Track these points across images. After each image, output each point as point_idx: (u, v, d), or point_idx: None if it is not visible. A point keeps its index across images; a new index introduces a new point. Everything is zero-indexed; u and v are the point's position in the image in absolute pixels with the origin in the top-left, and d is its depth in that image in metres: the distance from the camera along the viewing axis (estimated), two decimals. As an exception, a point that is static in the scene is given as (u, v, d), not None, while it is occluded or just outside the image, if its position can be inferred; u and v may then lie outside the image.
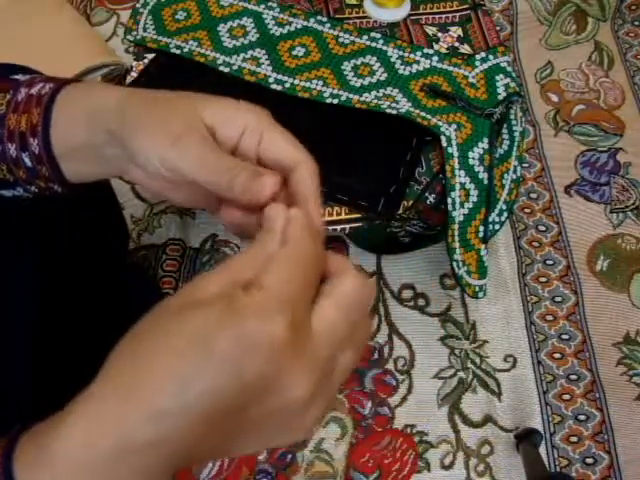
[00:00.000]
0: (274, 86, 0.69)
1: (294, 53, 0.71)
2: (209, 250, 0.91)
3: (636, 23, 1.16)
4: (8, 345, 0.47)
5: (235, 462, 0.77)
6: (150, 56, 0.72)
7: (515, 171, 0.70)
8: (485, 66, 0.70)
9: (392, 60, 0.71)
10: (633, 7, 1.17)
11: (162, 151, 0.32)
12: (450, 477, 0.78)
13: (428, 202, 0.65)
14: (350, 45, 0.72)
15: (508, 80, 0.69)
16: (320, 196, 0.32)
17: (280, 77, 0.69)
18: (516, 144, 0.70)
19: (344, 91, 0.68)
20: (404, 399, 0.82)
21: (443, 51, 0.72)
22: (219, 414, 0.23)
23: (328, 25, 0.73)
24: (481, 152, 0.65)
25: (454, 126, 0.65)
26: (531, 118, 1.04)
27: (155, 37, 0.73)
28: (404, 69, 0.70)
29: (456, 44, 0.73)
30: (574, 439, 0.80)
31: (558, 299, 0.89)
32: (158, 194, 0.36)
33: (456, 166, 0.64)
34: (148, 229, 0.92)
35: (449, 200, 0.64)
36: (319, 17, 0.74)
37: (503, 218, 0.68)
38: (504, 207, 0.68)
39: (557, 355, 0.85)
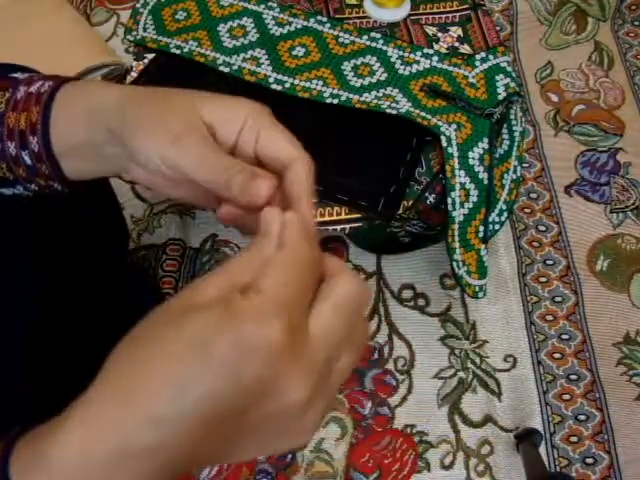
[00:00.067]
0: (274, 86, 0.69)
1: (294, 53, 0.71)
2: (209, 250, 0.91)
3: (636, 23, 1.16)
4: (8, 345, 0.47)
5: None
6: (150, 56, 0.72)
7: (515, 171, 0.70)
8: (485, 66, 0.70)
9: (392, 60, 0.71)
10: (633, 7, 1.17)
11: (162, 150, 0.32)
12: (450, 477, 0.78)
13: (428, 202, 0.65)
14: (350, 45, 0.72)
15: (508, 80, 0.69)
16: (314, 195, 0.32)
17: (280, 77, 0.69)
18: (516, 144, 0.70)
19: (344, 91, 0.68)
20: (404, 399, 0.82)
21: (443, 51, 0.72)
22: (217, 418, 0.23)
23: (328, 25, 0.73)
24: (481, 152, 0.65)
25: (454, 126, 0.65)
26: (531, 118, 1.04)
27: (155, 37, 0.73)
28: (404, 69, 0.70)
29: (456, 44, 0.73)
30: (574, 439, 0.80)
31: (558, 299, 0.89)
32: (158, 191, 0.36)
33: (456, 166, 0.64)
34: (148, 229, 0.92)
35: (449, 200, 0.64)
36: (319, 17, 0.74)
37: (503, 218, 0.68)
38: (504, 207, 0.68)
39: (557, 355, 0.85)
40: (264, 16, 0.74)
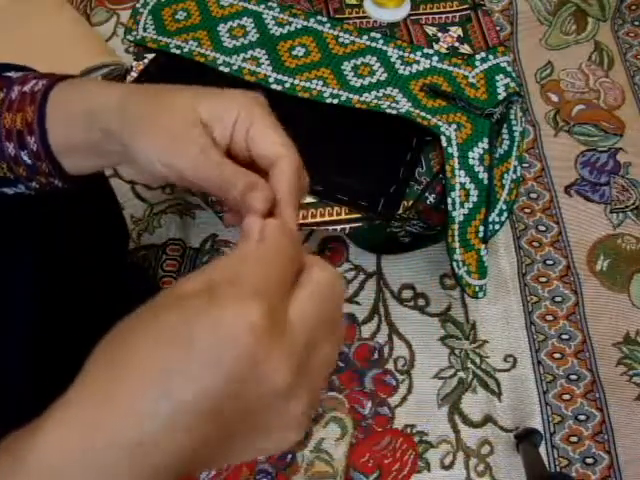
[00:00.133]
0: (274, 86, 0.69)
1: (294, 53, 0.71)
2: (209, 250, 0.91)
3: (636, 23, 1.16)
4: (8, 345, 0.47)
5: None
6: (150, 56, 0.72)
7: (515, 171, 0.70)
8: (485, 66, 0.70)
9: (392, 60, 0.71)
10: (633, 7, 1.17)
11: (162, 154, 0.32)
12: (450, 477, 0.78)
13: (428, 202, 0.65)
14: (350, 45, 0.72)
15: (508, 80, 0.69)
16: (298, 193, 0.32)
17: (280, 77, 0.69)
18: (516, 144, 0.70)
19: (344, 91, 0.68)
20: (404, 399, 0.82)
21: (443, 51, 0.72)
22: (201, 408, 0.23)
23: (328, 25, 0.73)
24: (481, 152, 0.65)
25: (454, 126, 0.65)
26: (531, 118, 1.04)
27: (155, 37, 0.73)
28: (404, 69, 0.70)
29: (456, 44, 0.73)
30: (574, 439, 0.80)
31: (558, 299, 0.89)
32: (165, 181, 0.37)
33: (456, 166, 0.64)
34: (148, 229, 0.92)
35: (449, 200, 0.64)
36: (319, 17, 0.74)
37: (503, 218, 0.68)
38: (504, 207, 0.68)
39: (557, 355, 0.85)
40: (264, 16, 0.74)
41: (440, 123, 0.65)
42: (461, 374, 0.83)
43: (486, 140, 0.65)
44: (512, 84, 0.69)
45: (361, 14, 0.76)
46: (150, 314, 0.24)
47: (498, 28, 0.76)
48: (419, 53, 0.71)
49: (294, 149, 0.33)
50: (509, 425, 0.81)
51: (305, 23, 0.74)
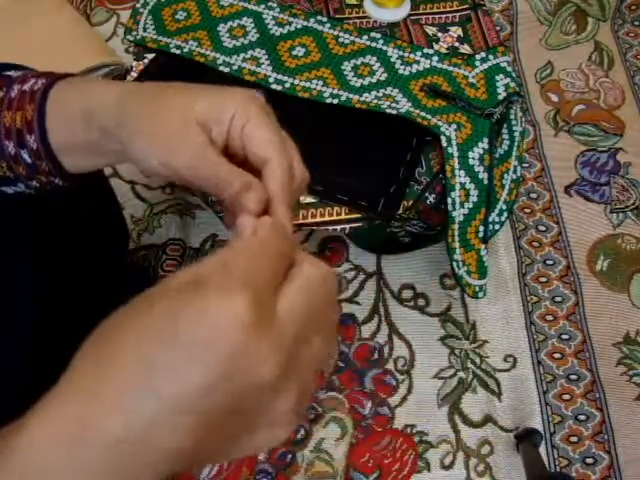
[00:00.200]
0: (274, 86, 0.69)
1: (294, 53, 0.71)
2: (209, 250, 0.91)
3: (636, 23, 1.16)
4: (8, 345, 0.47)
5: (235, 462, 0.77)
6: (150, 56, 0.72)
7: (515, 171, 0.70)
8: (485, 66, 0.70)
9: (392, 60, 0.71)
10: (633, 7, 1.17)
11: (160, 153, 0.33)
12: (450, 477, 0.78)
13: (428, 202, 0.65)
14: (350, 45, 0.72)
15: (508, 80, 0.69)
16: (290, 192, 0.32)
17: (280, 77, 0.69)
18: (516, 144, 0.70)
19: (344, 91, 0.68)
20: (404, 399, 0.82)
21: (443, 51, 0.72)
22: (188, 400, 0.22)
23: (328, 25, 0.73)
24: (481, 152, 0.65)
25: (454, 126, 0.65)
26: (531, 118, 1.04)
27: (155, 37, 0.73)
28: (404, 69, 0.70)
29: (456, 44, 0.73)
30: (574, 439, 0.80)
31: (558, 299, 0.89)
32: (165, 179, 0.37)
33: (456, 166, 0.64)
34: (148, 229, 0.92)
35: (449, 200, 0.64)
36: (319, 17, 0.74)
37: (503, 218, 0.68)
38: (504, 207, 0.68)
39: (557, 355, 0.85)
40: (264, 16, 0.74)
41: (440, 123, 0.65)
42: (461, 374, 0.83)
43: (486, 140, 0.65)
44: (512, 84, 0.69)
45: (361, 14, 0.76)
46: (136, 310, 0.24)
47: (498, 28, 0.76)
48: (419, 53, 0.71)
49: (288, 148, 0.33)
50: (509, 425, 0.81)
51: (305, 23, 0.74)
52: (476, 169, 0.64)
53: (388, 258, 0.91)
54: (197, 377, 0.22)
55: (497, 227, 0.68)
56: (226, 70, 0.70)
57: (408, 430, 0.80)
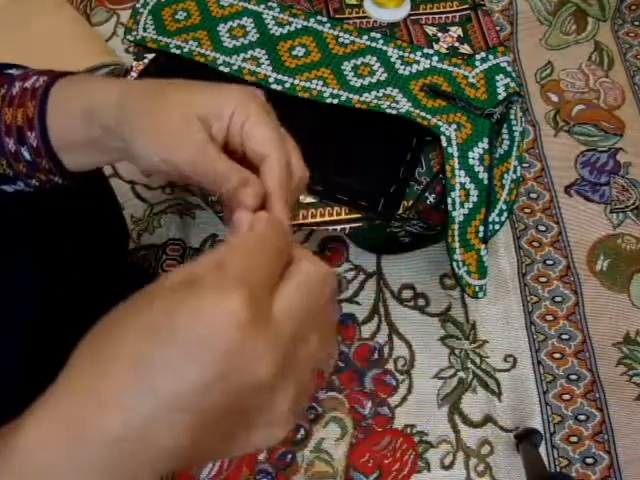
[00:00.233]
0: (274, 86, 0.69)
1: (294, 53, 0.71)
2: (209, 250, 0.91)
3: (636, 23, 1.16)
4: (8, 345, 0.47)
5: (235, 462, 0.77)
6: (150, 56, 0.72)
7: (515, 171, 0.70)
8: (485, 66, 0.70)
9: (392, 60, 0.71)
10: (633, 7, 1.17)
11: (161, 150, 0.33)
12: (450, 477, 0.78)
13: (428, 202, 0.65)
14: (350, 45, 0.72)
15: (508, 80, 0.69)
16: (288, 189, 0.33)
17: (280, 77, 0.69)
18: (516, 144, 0.70)
19: (344, 91, 0.68)
20: (404, 399, 0.82)
21: (443, 51, 0.72)
22: (186, 399, 0.22)
23: (328, 25, 0.73)
24: (481, 152, 0.65)
25: (454, 126, 0.65)
26: (531, 118, 1.04)
27: (155, 37, 0.73)
28: (404, 69, 0.70)
29: (456, 44, 0.73)
30: (574, 439, 0.80)
31: (558, 299, 0.89)
32: (166, 177, 0.37)
33: (456, 166, 0.64)
34: (148, 229, 0.92)
35: (449, 200, 0.64)
36: (319, 17, 0.74)
37: (503, 218, 0.68)
38: (504, 207, 0.68)
39: (557, 355, 0.85)
40: (264, 16, 0.74)
41: (440, 123, 0.65)
42: (461, 374, 0.83)
43: (486, 140, 0.65)
44: (512, 84, 0.69)
45: (361, 14, 0.76)
46: (132, 308, 0.24)
47: (498, 28, 0.76)
48: (419, 53, 0.71)
49: (287, 145, 0.33)
50: (509, 425, 0.81)
51: (305, 23, 0.74)
52: (476, 169, 0.64)
53: (388, 258, 0.91)
54: (194, 375, 0.22)
55: (497, 227, 0.68)
56: (226, 70, 0.70)
57: (408, 430, 0.80)
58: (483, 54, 0.71)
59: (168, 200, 0.94)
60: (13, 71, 0.40)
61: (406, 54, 0.71)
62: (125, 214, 0.81)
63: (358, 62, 0.71)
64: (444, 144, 0.63)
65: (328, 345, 0.28)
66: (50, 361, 0.46)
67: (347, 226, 0.64)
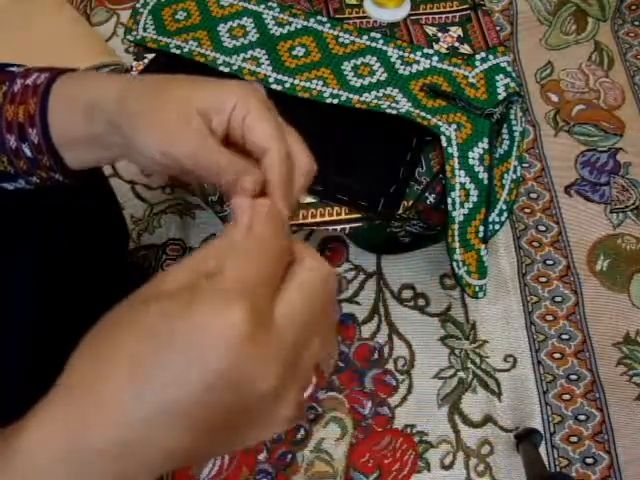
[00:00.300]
0: (274, 86, 0.69)
1: (294, 53, 0.71)
2: (207, 243, 0.91)
3: (636, 23, 1.16)
4: (8, 345, 0.47)
5: (235, 462, 0.77)
6: (150, 56, 0.72)
7: (515, 171, 0.70)
8: (485, 66, 0.70)
9: (392, 60, 0.71)
10: (633, 7, 1.17)
11: (161, 145, 0.33)
12: (450, 477, 0.78)
13: (428, 202, 0.65)
14: (350, 45, 0.72)
15: (508, 80, 0.69)
16: (287, 181, 0.32)
17: (280, 77, 0.69)
18: (516, 144, 0.70)
19: (344, 91, 0.68)
20: (404, 399, 0.82)
21: (443, 51, 0.72)
22: (185, 410, 0.22)
23: (328, 25, 0.73)
24: (481, 152, 0.65)
25: (454, 126, 0.65)
26: (531, 118, 1.04)
27: (155, 37, 0.73)
28: (404, 69, 0.70)
29: (456, 44, 0.73)
30: (574, 439, 0.80)
31: (558, 299, 0.89)
32: (165, 175, 0.37)
33: (456, 166, 0.64)
34: (148, 229, 0.92)
35: (449, 200, 0.64)
36: (319, 17, 0.74)
37: (503, 218, 0.68)
38: (504, 207, 0.68)
39: (557, 355, 0.85)
40: (264, 16, 0.74)
41: (440, 123, 0.65)
42: (461, 374, 0.83)
43: (486, 140, 0.65)
44: (512, 84, 0.69)
45: (361, 14, 0.76)
46: (133, 309, 0.24)
47: (498, 28, 0.76)
48: (419, 53, 0.71)
49: (290, 138, 0.33)
50: (509, 425, 0.81)
51: (305, 23, 0.74)
52: (476, 169, 0.64)
53: (388, 258, 0.91)
54: (193, 385, 0.22)
55: (497, 227, 0.68)
56: (226, 70, 0.70)
57: (408, 430, 0.80)
58: (483, 54, 0.71)
59: (168, 200, 0.94)
60: (14, 69, 0.40)
61: (406, 54, 0.71)
62: (125, 214, 0.81)
63: (358, 62, 0.71)
64: (444, 144, 0.64)
65: (328, 345, 0.28)
66: (50, 361, 0.47)
67: (347, 226, 0.64)
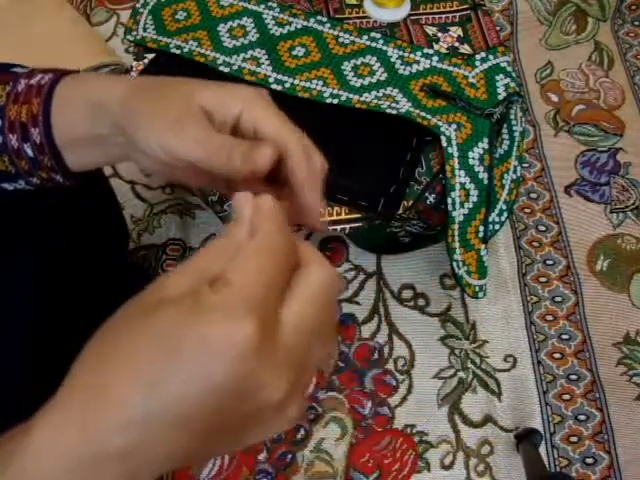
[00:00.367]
0: (274, 86, 0.69)
1: (294, 53, 0.71)
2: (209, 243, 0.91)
3: (636, 23, 1.16)
4: (8, 345, 0.47)
5: (235, 462, 0.77)
6: (150, 56, 0.72)
7: (515, 171, 0.70)
8: (485, 66, 0.70)
9: (392, 60, 0.71)
10: (633, 7, 1.17)
11: (162, 138, 0.32)
12: (450, 477, 0.78)
13: (428, 202, 0.65)
14: (350, 45, 0.72)
15: (508, 80, 0.69)
16: (319, 178, 0.32)
17: (280, 77, 0.69)
18: (516, 144, 0.70)
19: (344, 91, 0.68)
20: (404, 399, 0.82)
21: (443, 51, 0.72)
22: (191, 417, 0.22)
23: (328, 25, 0.73)
24: (481, 152, 0.65)
25: (454, 126, 0.65)
26: (531, 118, 1.04)
27: (155, 37, 0.73)
28: (404, 69, 0.70)
29: (456, 44, 0.73)
30: (574, 439, 0.80)
31: (558, 299, 0.89)
32: (162, 177, 0.37)
33: (456, 166, 0.64)
34: (148, 229, 0.92)
35: (449, 200, 0.64)
36: (319, 17, 0.74)
37: (503, 218, 0.68)
38: (504, 207, 0.68)
39: (557, 355, 0.85)
40: (264, 16, 0.74)
41: (440, 123, 0.65)
42: (461, 374, 0.83)
43: (486, 140, 0.65)
44: (512, 84, 0.69)
45: (361, 14, 0.76)
46: (140, 315, 0.24)
47: (498, 28, 0.76)
48: (419, 53, 0.71)
49: (300, 137, 0.33)
50: (509, 425, 0.81)
51: (305, 23, 0.74)
52: (476, 169, 0.64)
53: (388, 258, 0.91)
54: (198, 397, 0.22)
55: (497, 227, 0.68)
56: (226, 70, 0.70)
57: (408, 430, 0.80)
58: (483, 54, 0.71)
59: (168, 200, 0.94)
60: (18, 69, 0.40)
61: (406, 54, 0.71)
62: (125, 214, 0.81)
63: (358, 62, 0.71)
64: (444, 144, 0.64)
65: (329, 346, 0.28)
66: (50, 361, 0.47)
67: (347, 226, 0.64)
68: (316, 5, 0.77)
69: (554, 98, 1.07)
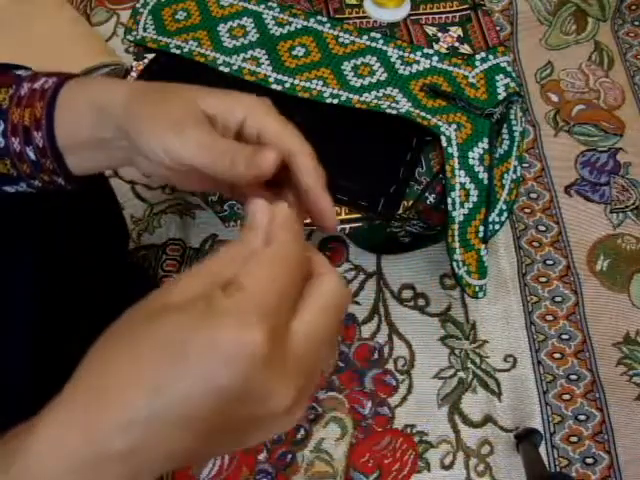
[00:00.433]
0: (274, 86, 0.69)
1: (294, 53, 0.71)
2: (209, 250, 0.91)
3: (636, 23, 1.16)
4: (8, 345, 0.47)
5: (235, 462, 0.77)
6: (150, 56, 0.72)
7: (515, 171, 0.70)
8: (485, 66, 0.70)
9: (392, 60, 0.71)
10: (633, 7, 1.17)
11: (165, 142, 0.32)
12: (450, 477, 0.78)
13: (428, 202, 0.65)
14: (350, 45, 0.72)
15: (508, 80, 0.69)
16: (324, 183, 0.32)
17: (280, 77, 0.70)
18: (516, 144, 0.70)
19: (344, 91, 0.68)
20: (404, 399, 0.82)
21: (443, 51, 0.72)
22: (194, 420, 0.22)
23: (328, 25, 0.73)
24: (481, 152, 0.65)
25: (454, 126, 0.65)
26: (531, 118, 1.04)
27: (155, 37, 0.73)
28: (404, 69, 0.70)
29: (456, 44, 0.73)
30: (574, 439, 0.80)
31: (558, 299, 0.89)
32: (165, 182, 0.37)
33: (456, 166, 0.64)
34: (148, 229, 0.92)
35: (449, 200, 0.64)
36: (319, 17, 0.74)
37: (503, 218, 0.68)
38: (504, 207, 0.68)
39: (557, 355, 0.85)
40: (264, 16, 0.74)
41: (440, 123, 0.65)
42: (461, 374, 0.83)
43: (486, 140, 0.65)
44: (512, 84, 0.69)
45: (361, 14, 0.76)
46: (147, 318, 0.24)
47: (498, 28, 0.76)
48: (419, 53, 0.71)
49: (305, 143, 0.33)
50: (509, 425, 0.81)
51: (305, 23, 0.74)
52: (476, 169, 0.64)
53: (388, 258, 0.91)
54: (204, 403, 0.22)
55: (497, 227, 0.68)
56: (226, 70, 0.70)
57: (408, 430, 0.80)
58: (483, 54, 0.71)
59: (168, 200, 0.94)
60: (22, 72, 0.40)
61: (406, 54, 0.71)
62: (125, 214, 0.81)
63: (358, 62, 0.71)
64: (444, 144, 0.64)
65: (334, 352, 0.28)
66: (51, 361, 0.47)
67: (347, 226, 0.64)
68: (316, 5, 0.77)
69: (554, 98, 1.07)
